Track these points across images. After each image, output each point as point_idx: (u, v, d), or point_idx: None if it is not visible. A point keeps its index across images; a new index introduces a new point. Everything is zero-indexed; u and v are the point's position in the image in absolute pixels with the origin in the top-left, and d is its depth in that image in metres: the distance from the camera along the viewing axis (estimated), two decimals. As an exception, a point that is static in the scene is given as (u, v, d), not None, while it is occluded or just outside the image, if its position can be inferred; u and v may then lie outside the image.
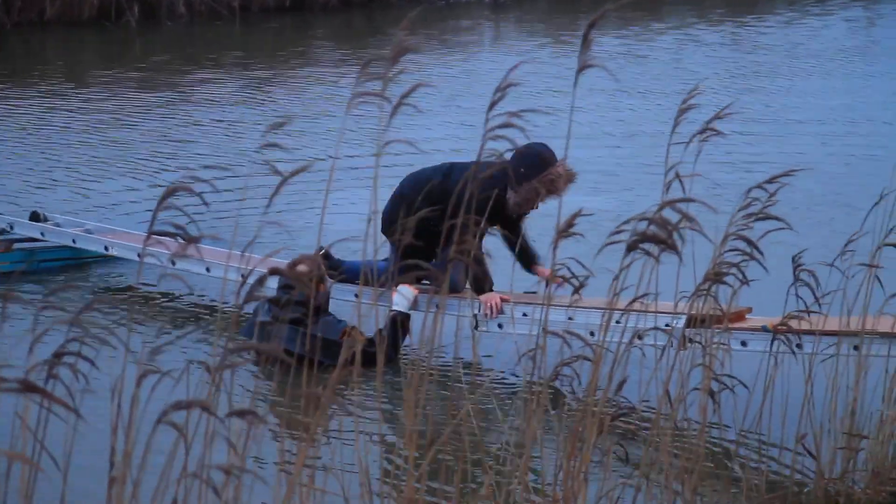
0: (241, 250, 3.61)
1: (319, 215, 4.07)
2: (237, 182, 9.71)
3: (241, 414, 2.93)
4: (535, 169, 6.51)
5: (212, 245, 7.11)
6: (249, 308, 6.31)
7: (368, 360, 3.54)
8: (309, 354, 4.15)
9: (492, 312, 6.59)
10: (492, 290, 6.68)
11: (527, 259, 6.75)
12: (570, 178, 6.55)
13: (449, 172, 6.76)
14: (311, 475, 3.60)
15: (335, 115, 12.99)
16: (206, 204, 3.40)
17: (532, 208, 6.67)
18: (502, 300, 6.61)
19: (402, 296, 6.68)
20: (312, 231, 8.28)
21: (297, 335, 5.98)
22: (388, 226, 6.66)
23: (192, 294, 7.49)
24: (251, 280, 3.24)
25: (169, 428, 3.00)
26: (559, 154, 6.60)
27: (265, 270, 3.30)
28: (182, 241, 3.21)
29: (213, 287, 7.37)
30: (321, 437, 3.76)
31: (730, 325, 5.40)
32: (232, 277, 6.86)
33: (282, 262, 6.42)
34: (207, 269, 7.18)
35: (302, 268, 3.40)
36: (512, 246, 6.61)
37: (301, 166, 3.40)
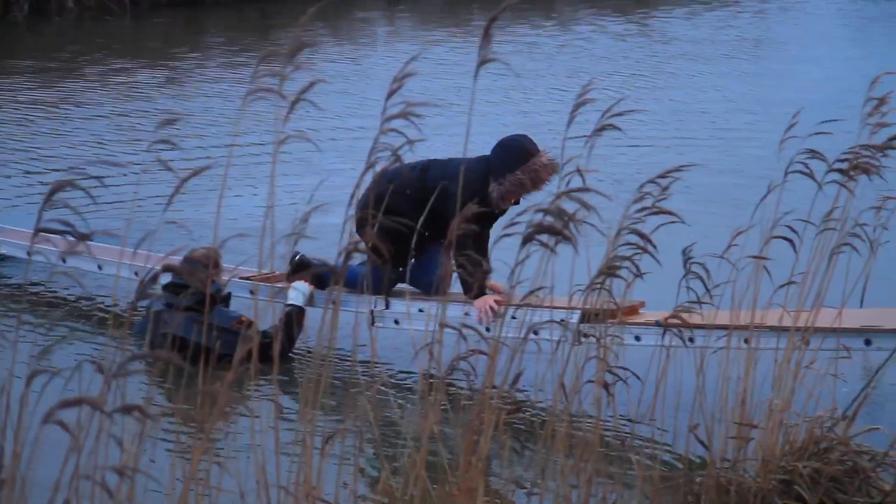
0: (133, 247, 3.57)
1: (216, 211, 4.03)
2: (131, 178, 9.59)
3: (127, 410, 2.88)
4: (519, 160, 6.27)
5: (104, 242, 7.01)
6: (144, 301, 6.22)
7: (263, 352, 3.53)
8: (206, 342, 4.12)
9: (487, 317, 6.26)
10: (484, 293, 6.37)
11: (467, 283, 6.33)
12: (553, 168, 6.25)
13: (426, 168, 6.53)
14: (206, 472, 3.57)
15: (230, 111, 12.88)
16: (93, 200, 3.34)
17: (515, 202, 6.35)
18: (497, 302, 6.26)
19: (298, 291, 6.65)
20: (208, 227, 8.20)
21: (193, 324, 5.92)
22: (362, 225, 6.32)
23: (84, 292, 7.38)
24: (145, 278, 3.20)
25: (65, 427, 2.95)
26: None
27: (158, 268, 3.26)
28: (72, 239, 3.16)
29: (106, 285, 7.26)
30: (217, 434, 3.73)
31: (624, 320, 5.46)
32: (125, 275, 6.80)
33: (176, 259, 6.36)
34: (99, 267, 7.07)
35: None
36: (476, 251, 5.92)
37: (202, 166, 3.35)
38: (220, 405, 3.25)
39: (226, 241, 3.58)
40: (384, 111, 3.53)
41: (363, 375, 4.66)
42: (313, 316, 6.63)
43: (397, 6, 22.26)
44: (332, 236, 3.47)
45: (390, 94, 3.49)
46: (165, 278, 3.23)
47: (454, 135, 10.89)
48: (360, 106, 13.39)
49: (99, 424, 3.13)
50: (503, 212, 6.39)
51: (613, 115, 4.26)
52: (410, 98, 3.58)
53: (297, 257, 6.71)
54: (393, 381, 6.37)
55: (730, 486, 4.60)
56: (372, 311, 6.79)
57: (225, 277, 6.56)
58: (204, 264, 5.99)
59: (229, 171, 3.72)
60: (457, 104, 12.43)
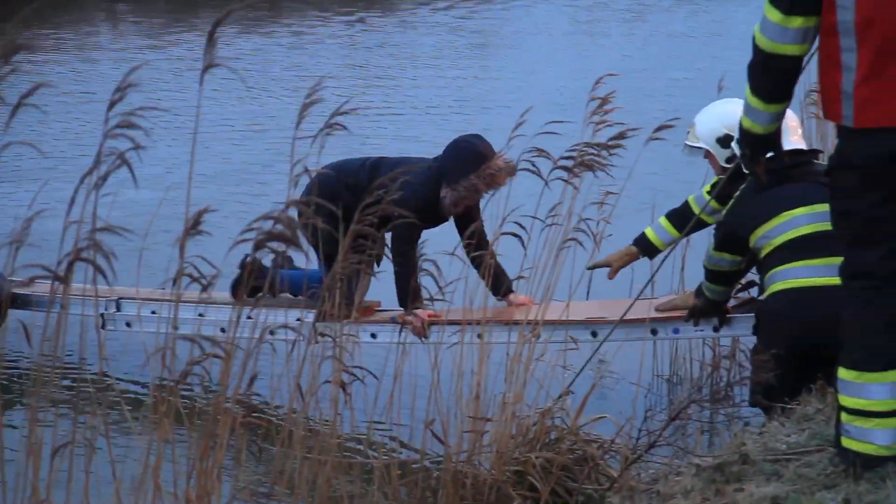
0: None
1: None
2: None
3: None
4: (473, 164, 5.91)
5: None
6: None
7: None
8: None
9: (417, 334, 5.85)
10: (420, 306, 5.92)
11: (495, 283, 5.86)
12: (510, 170, 5.85)
13: (377, 166, 6.19)
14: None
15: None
16: None
17: (469, 206, 6.01)
18: (430, 318, 5.88)
19: None
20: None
21: None
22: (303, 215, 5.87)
23: None
24: None
25: None
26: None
27: None
28: None
29: None
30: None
31: (360, 319, 5.48)
32: None
33: None
34: None
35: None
36: (474, 262, 5.56)
37: None
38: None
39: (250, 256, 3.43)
40: (107, 117, 3.43)
41: (93, 383, 4.53)
42: (37, 319, 6.43)
43: (120, 5, 21.75)
44: (54, 243, 3.35)
45: (113, 104, 3.40)
46: None
47: (181, 133, 10.73)
48: (84, 111, 13.04)
49: None
50: (446, 218, 6.12)
51: (341, 114, 4.27)
52: (137, 102, 3.49)
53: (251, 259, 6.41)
54: (124, 387, 6.22)
55: (466, 479, 4.68)
56: (102, 315, 6.61)
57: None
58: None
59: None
60: (183, 110, 12.25)
